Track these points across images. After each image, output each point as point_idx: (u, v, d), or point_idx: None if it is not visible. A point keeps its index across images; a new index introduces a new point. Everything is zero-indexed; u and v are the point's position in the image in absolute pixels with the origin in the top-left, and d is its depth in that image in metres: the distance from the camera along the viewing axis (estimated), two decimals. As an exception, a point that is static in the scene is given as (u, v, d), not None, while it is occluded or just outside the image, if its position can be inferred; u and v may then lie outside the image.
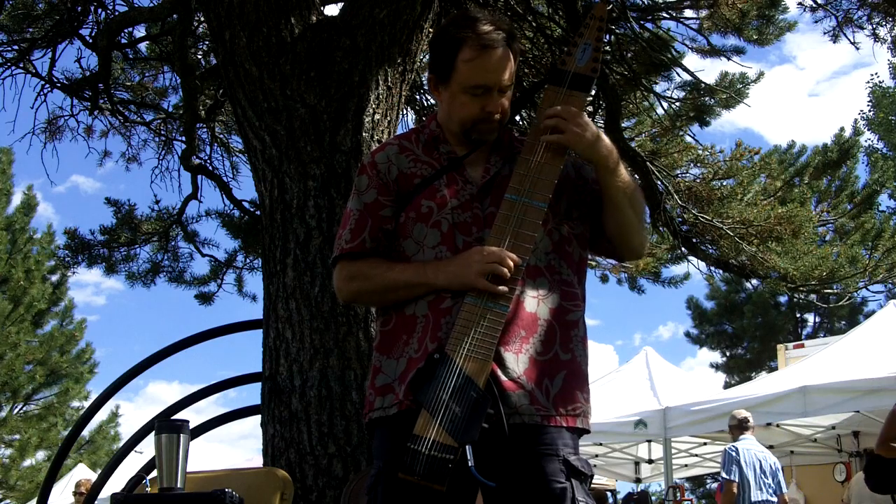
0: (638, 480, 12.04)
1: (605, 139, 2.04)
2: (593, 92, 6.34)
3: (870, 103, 24.39)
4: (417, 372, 1.89)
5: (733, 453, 6.84)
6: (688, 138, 6.74)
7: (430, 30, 3.98)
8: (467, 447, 1.80)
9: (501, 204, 1.99)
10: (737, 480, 6.72)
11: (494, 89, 2.04)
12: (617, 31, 5.90)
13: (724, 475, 6.85)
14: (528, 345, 1.96)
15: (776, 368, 12.60)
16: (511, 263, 1.92)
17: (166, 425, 2.89)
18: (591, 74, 2.08)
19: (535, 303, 2.00)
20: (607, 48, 6.09)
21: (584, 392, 2.03)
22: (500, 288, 1.91)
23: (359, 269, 2.08)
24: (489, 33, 2.02)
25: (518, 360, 1.94)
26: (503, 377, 1.91)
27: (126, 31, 6.32)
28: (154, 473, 3.04)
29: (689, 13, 6.05)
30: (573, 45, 2.11)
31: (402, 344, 2.00)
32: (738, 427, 7.12)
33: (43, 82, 6.51)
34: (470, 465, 1.79)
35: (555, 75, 2.10)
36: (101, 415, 19.06)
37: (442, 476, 1.80)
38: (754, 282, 7.41)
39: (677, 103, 6.40)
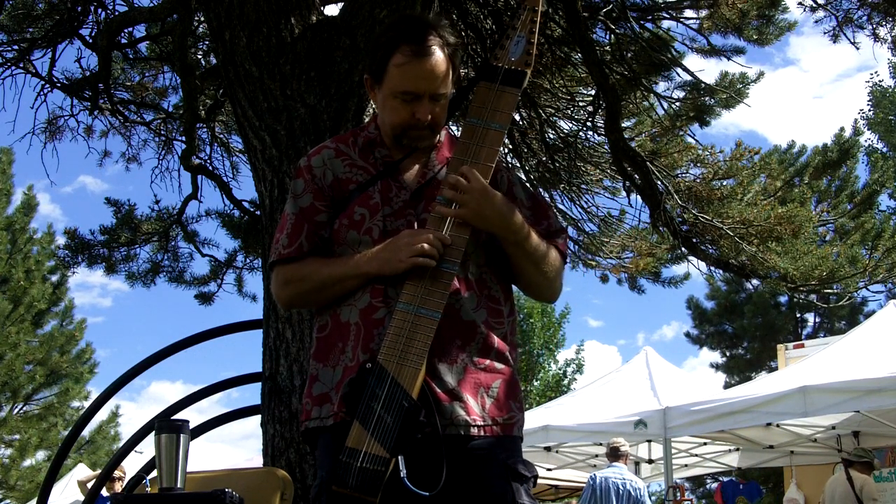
0: (638, 480, 12.03)
1: (510, 215, 1.97)
2: (594, 91, 6.33)
3: (870, 103, 24.40)
4: (349, 382, 1.85)
5: (591, 482, 7.45)
6: (688, 138, 6.73)
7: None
8: (399, 458, 1.77)
9: (435, 205, 1.96)
10: None
11: (425, 96, 1.99)
12: (617, 31, 5.89)
13: None
14: (464, 354, 1.94)
15: (776, 368, 12.60)
16: (440, 243, 1.89)
17: (166, 425, 2.88)
18: (524, 69, 2.02)
19: (471, 311, 1.97)
20: (607, 48, 6.10)
21: (517, 401, 2.01)
22: (428, 261, 1.87)
23: (294, 271, 2.05)
24: (425, 40, 1.97)
25: (452, 370, 1.91)
26: (437, 388, 1.88)
27: (126, 31, 6.31)
28: (154, 473, 3.04)
29: (689, 13, 6.04)
30: (506, 38, 2.05)
31: (338, 352, 1.97)
32: (610, 455, 7.74)
33: (43, 82, 6.51)
34: (402, 475, 1.76)
35: (487, 71, 2.04)
36: (101, 415, 19.10)
37: (374, 488, 1.77)
38: (754, 282, 7.40)
39: (677, 103, 6.39)
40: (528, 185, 2.34)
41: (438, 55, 1.98)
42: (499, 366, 1.98)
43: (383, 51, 2.01)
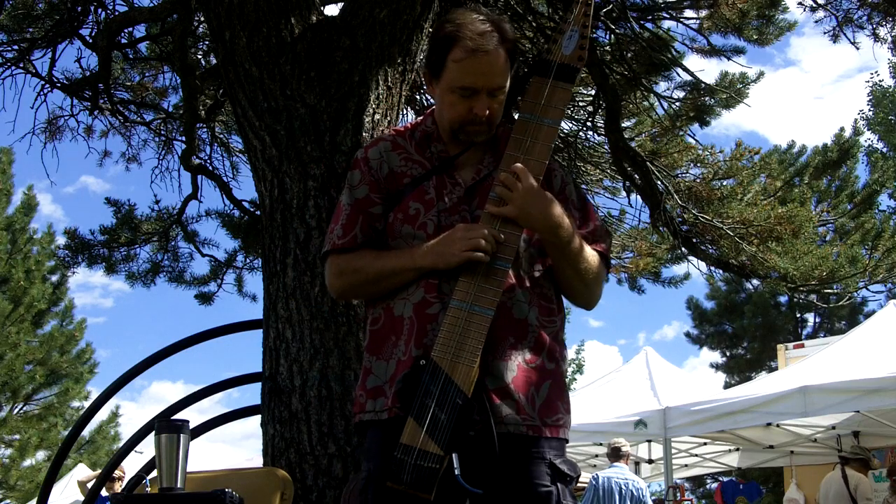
0: (638, 480, 12.02)
1: (556, 218, 1.94)
2: (594, 91, 6.33)
3: (870, 103, 24.38)
4: (404, 378, 1.87)
5: (593, 482, 7.47)
6: (688, 138, 6.73)
7: (430, 29, 3.97)
8: (453, 455, 1.79)
9: (486, 203, 1.96)
10: None
11: (483, 92, 1.99)
12: (617, 31, 5.89)
13: None
14: (516, 352, 1.94)
15: (776, 368, 12.60)
16: (493, 239, 1.89)
17: (166, 425, 2.88)
18: (578, 64, 2.02)
19: (524, 309, 1.97)
20: (607, 48, 6.09)
21: (565, 403, 2.02)
22: (482, 255, 1.87)
23: (347, 262, 2.05)
24: (483, 34, 1.96)
25: (506, 367, 1.92)
26: (490, 386, 1.89)
27: (126, 31, 6.31)
28: (154, 473, 3.04)
29: (689, 13, 6.03)
30: (559, 32, 2.05)
31: (391, 345, 1.98)
32: (612, 455, 7.76)
33: (43, 82, 6.50)
34: (456, 473, 1.77)
35: (540, 66, 2.04)
36: (101, 415, 19.11)
37: (429, 485, 1.78)
38: (754, 282, 7.40)
39: (677, 103, 6.39)
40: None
41: (497, 50, 1.97)
42: (549, 366, 1.99)
43: (442, 45, 2.00)
